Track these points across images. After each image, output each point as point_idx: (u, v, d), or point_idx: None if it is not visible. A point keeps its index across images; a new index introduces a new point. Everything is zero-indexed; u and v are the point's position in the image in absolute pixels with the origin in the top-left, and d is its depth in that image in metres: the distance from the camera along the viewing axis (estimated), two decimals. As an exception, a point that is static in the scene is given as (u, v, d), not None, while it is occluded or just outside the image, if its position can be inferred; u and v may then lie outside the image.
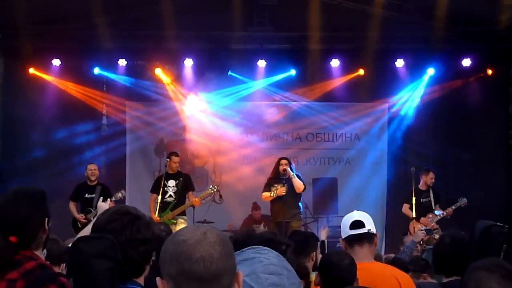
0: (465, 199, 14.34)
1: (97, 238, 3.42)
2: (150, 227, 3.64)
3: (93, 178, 14.52)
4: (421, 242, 10.77)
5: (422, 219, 14.28)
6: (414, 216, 14.15)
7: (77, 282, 3.35)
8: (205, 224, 2.98)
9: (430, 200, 14.57)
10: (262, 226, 15.60)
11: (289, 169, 13.75)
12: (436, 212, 14.36)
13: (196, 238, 2.39)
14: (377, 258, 6.98)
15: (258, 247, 2.84)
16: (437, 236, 10.62)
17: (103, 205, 6.11)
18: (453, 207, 14.35)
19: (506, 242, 4.90)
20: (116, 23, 15.74)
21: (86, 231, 6.22)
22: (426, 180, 14.59)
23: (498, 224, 4.98)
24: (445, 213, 14.34)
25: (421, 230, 10.36)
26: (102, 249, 3.30)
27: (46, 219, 4.25)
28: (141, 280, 3.57)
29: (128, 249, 3.47)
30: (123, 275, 3.46)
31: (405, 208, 14.55)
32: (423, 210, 14.40)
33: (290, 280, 2.73)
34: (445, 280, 5.44)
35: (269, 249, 2.86)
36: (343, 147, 18.11)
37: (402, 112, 17.67)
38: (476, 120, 17.07)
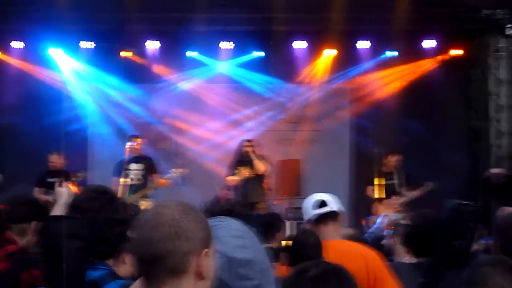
0: (431, 183, 14.48)
1: (68, 218, 3.40)
2: (127, 209, 3.63)
3: (56, 169, 14.48)
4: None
5: (385, 201, 14.38)
6: (376, 197, 14.26)
7: (47, 261, 3.33)
8: (173, 201, 2.89)
9: (393, 183, 14.69)
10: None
11: (250, 150, 13.79)
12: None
13: (146, 218, 2.41)
14: (353, 238, 7.03)
15: (218, 217, 2.83)
16: (402, 222, 10.72)
17: (62, 190, 6.06)
18: (419, 192, 14.48)
19: (473, 220, 4.96)
20: (78, 4, 15.58)
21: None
22: (387, 162, 14.71)
23: (465, 202, 5.03)
24: (412, 195, 14.46)
25: (386, 216, 10.45)
26: (72, 229, 3.27)
27: (36, 223, 4.39)
28: (111, 262, 3.55)
29: (104, 229, 3.46)
30: (97, 255, 3.44)
31: (369, 190, 14.66)
32: (387, 192, 14.51)
33: (255, 245, 2.73)
34: (414, 260, 5.44)
35: (230, 218, 2.86)
36: (306, 129, 18.15)
37: (365, 92, 17.72)
38: (438, 101, 17.18)
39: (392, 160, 14.73)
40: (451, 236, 4.91)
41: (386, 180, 14.61)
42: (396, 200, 14.39)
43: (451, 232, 4.90)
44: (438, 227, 4.97)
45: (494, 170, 16.16)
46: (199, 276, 2.39)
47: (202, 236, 2.41)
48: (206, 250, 2.40)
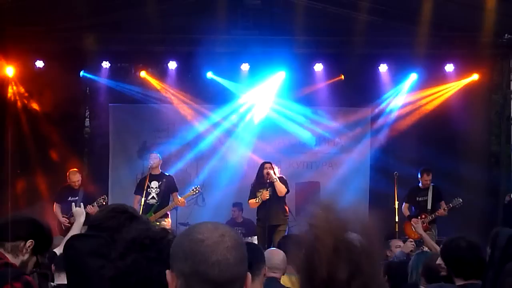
0: (460, 199, 14.56)
1: (91, 236, 3.41)
2: (148, 227, 3.62)
3: (76, 187, 14.49)
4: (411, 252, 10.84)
5: (414, 219, 14.43)
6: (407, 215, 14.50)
7: (71, 280, 3.34)
8: (222, 224, 2.85)
9: (427, 200, 14.79)
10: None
11: (272, 172, 13.77)
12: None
13: (214, 239, 2.37)
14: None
15: None
16: (425, 248, 10.75)
17: (79, 210, 6.10)
18: (446, 208, 14.55)
19: None
20: (100, 25, 15.68)
21: (71, 233, 6.23)
22: (423, 180, 14.87)
23: None
24: (437, 213, 14.55)
25: (411, 242, 10.51)
26: (96, 247, 3.28)
27: (32, 242, 4.44)
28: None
29: None
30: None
31: (404, 208, 14.76)
32: (420, 208, 14.64)
33: None
34: (462, 282, 5.72)
35: None
36: (326, 151, 18.12)
37: (385, 117, 17.72)
38: (459, 126, 17.07)
39: (428, 177, 14.83)
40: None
41: (419, 197, 14.73)
42: (424, 218, 14.44)
43: (510, 258, 5.00)
44: (494, 254, 5.08)
45: None
46: None
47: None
48: (248, 273, 2.43)
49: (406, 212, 14.83)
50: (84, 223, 6.05)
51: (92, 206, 13.81)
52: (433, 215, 14.61)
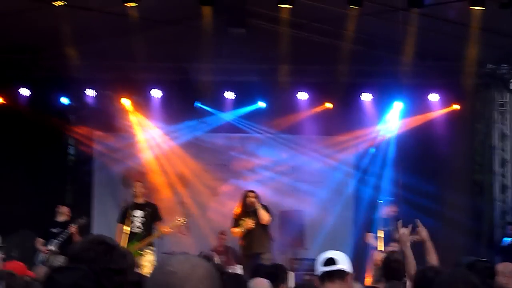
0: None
1: (72, 268, 3.38)
2: (126, 258, 3.61)
3: (61, 219, 14.49)
4: None
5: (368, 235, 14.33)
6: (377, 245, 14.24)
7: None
8: (192, 255, 2.88)
9: (389, 230, 14.64)
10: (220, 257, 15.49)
11: (255, 201, 13.74)
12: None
13: (185, 271, 2.37)
14: None
15: None
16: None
17: None
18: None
19: (489, 276, 5.11)
20: (85, 53, 15.66)
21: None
22: (388, 211, 14.65)
23: (482, 259, 5.15)
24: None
25: None
26: (77, 280, 3.25)
27: None
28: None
29: (102, 279, 3.43)
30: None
31: (368, 237, 14.61)
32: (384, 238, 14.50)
33: None
34: None
35: None
36: (311, 180, 18.08)
37: (369, 144, 17.77)
38: (442, 155, 17.16)
39: (391, 209, 14.65)
40: None
41: (384, 227, 14.54)
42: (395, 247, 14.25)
43: None
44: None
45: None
46: None
47: None
48: None
49: (374, 242, 14.50)
50: (64, 253, 6.02)
51: (72, 226, 13.95)
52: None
